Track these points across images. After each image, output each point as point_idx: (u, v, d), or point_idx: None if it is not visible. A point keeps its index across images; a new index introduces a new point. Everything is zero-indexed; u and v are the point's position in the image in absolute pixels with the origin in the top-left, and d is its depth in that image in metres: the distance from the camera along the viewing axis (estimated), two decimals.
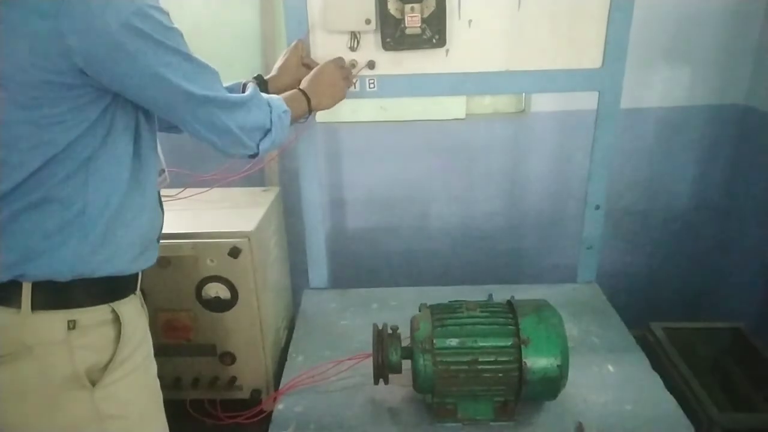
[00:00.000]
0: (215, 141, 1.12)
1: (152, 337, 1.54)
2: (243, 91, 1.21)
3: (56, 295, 1.00)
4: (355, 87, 1.62)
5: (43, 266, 0.99)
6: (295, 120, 1.34)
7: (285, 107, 1.26)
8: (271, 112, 1.20)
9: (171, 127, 1.37)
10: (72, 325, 1.00)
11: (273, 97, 1.27)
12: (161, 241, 1.44)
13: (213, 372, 1.61)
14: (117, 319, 1.05)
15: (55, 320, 0.99)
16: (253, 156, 1.20)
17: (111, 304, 1.05)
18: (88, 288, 1.02)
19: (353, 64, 1.59)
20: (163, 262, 1.49)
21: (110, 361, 1.04)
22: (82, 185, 0.99)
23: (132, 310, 1.10)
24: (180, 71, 1.00)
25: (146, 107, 1.06)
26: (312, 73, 1.47)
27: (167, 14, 1.00)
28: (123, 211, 1.04)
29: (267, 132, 1.19)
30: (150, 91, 1.00)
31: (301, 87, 1.42)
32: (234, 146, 1.15)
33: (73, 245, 1.00)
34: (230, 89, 1.19)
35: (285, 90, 1.44)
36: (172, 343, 1.57)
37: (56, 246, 0.99)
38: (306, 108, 1.40)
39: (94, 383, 1.02)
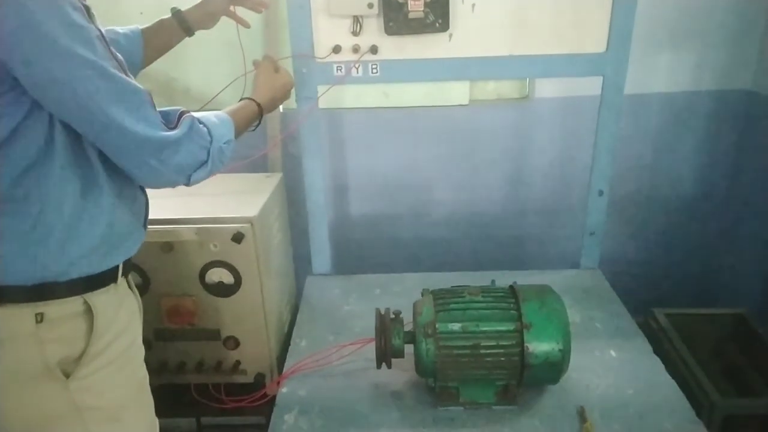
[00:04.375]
0: (144, 178, 1.03)
1: (156, 321, 1.56)
2: (178, 119, 1.04)
3: (24, 288, 0.96)
4: (358, 72, 1.61)
5: (6, 273, 0.95)
6: (241, 134, 1.22)
7: (229, 136, 1.13)
8: (211, 145, 1.07)
9: None
10: (39, 318, 0.96)
11: (219, 123, 1.12)
12: (164, 226, 1.45)
13: (217, 356, 1.62)
14: (90, 310, 1.01)
15: (22, 314, 0.96)
16: (186, 185, 1.09)
17: (83, 295, 1.01)
18: (57, 285, 0.98)
19: (356, 49, 1.59)
20: (167, 247, 1.49)
21: (83, 353, 1.01)
22: (33, 190, 0.93)
23: (108, 300, 1.05)
24: (95, 88, 0.90)
25: (56, 114, 0.94)
26: (264, 74, 1.39)
27: (81, 9, 0.90)
28: (84, 213, 0.99)
29: (202, 164, 1.07)
30: (54, 96, 0.90)
31: (253, 96, 1.31)
32: (162, 181, 1.05)
33: (32, 253, 0.95)
34: (165, 114, 1.04)
35: (200, 21, 1.42)
36: (177, 328, 1.58)
37: (17, 254, 0.95)
38: (257, 117, 1.30)
39: (68, 375, 1.00)
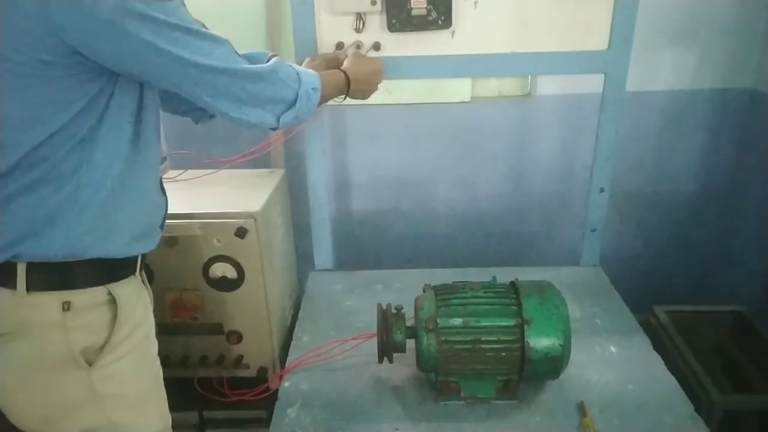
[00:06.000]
0: (230, 112, 1.08)
1: (160, 316, 1.56)
2: (268, 60, 1.16)
3: (52, 276, 1.00)
4: None
5: (37, 247, 0.98)
6: (327, 99, 1.30)
7: (316, 84, 1.21)
8: (299, 87, 1.16)
9: (187, 111, 1.36)
10: (66, 306, 1.00)
11: (307, 71, 1.22)
12: (169, 220, 1.46)
13: (220, 350, 1.63)
14: (113, 301, 1.05)
15: (50, 301, 1.00)
16: (274, 129, 1.17)
17: (107, 285, 1.04)
18: (83, 269, 1.02)
19: (358, 46, 1.59)
20: (171, 242, 1.50)
21: (106, 342, 1.04)
22: (77, 166, 0.98)
23: (130, 291, 1.09)
24: (186, 46, 0.97)
25: (154, 84, 1.05)
26: (356, 57, 1.46)
27: None
28: (118, 194, 1.03)
29: (290, 106, 1.15)
30: (156, 69, 0.98)
31: (343, 68, 1.38)
32: (251, 116, 1.11)
33: (66, 226, 0.99)
34: (252, 57, 1.15)
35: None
36: (180, 322, 1.59)
37: (50, 226, 0.98)
38: (344, 90, 1.36)
39: (90, 363, 1.03)
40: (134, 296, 1.11)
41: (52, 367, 1.01)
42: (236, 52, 1.08)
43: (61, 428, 1.06)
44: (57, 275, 1.00)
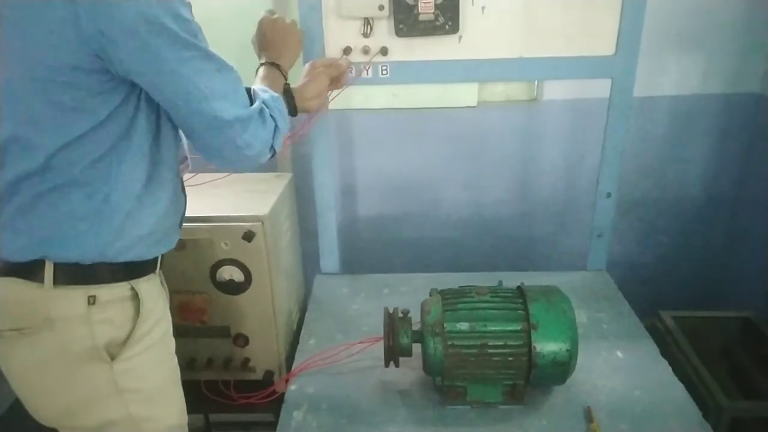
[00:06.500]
0: (226, 155, 1.08)
1: None
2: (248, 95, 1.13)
3: (78, 272, 1.02)
4: (368, 74, 1.63)
5: (67, 250, 1.01)
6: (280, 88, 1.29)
7: (273, 94, 1.18)
8: (272, 117, 1.13)
9: None
10: (92, 300, 1.02)
11: (261, 91, 1.18)
12: None
13: (227, 353, 1.64)
14: (136, 296, 1.08)
15: (75, 295, 1.02)
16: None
17: (130, 281, 1.08)
18: (108, 268, 1.05)
19: (366, 51, 1.60)
20: (179, 245, 1.49)
21: (129, 336, 1.07)
22: (107, 172, 1.01)
23: (151, 287, 1.12)
24: (198, 70, 0.98)
25: (161, 104, 1.04)
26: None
27: (189, 5, 0.99)
28: (145, 200, 1.06)
29: (275, 130, 1.14)
30: (164, 88, 0.98)
31: (276, 62, 1.36)
32: (248, 160, 1.11)
33: (96, 232, 1.02)
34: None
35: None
36: (187, 325, 1.60)
37: (81, 232, 1.01)
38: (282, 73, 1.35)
39: (113, 357, 1.05)
40: (155, 293, 1.14)
41: (76, 360, 1.03)
42: (242, 84, 1.08)
43: (80, 421, 1.08)
44: (83, 271, 1.03)
